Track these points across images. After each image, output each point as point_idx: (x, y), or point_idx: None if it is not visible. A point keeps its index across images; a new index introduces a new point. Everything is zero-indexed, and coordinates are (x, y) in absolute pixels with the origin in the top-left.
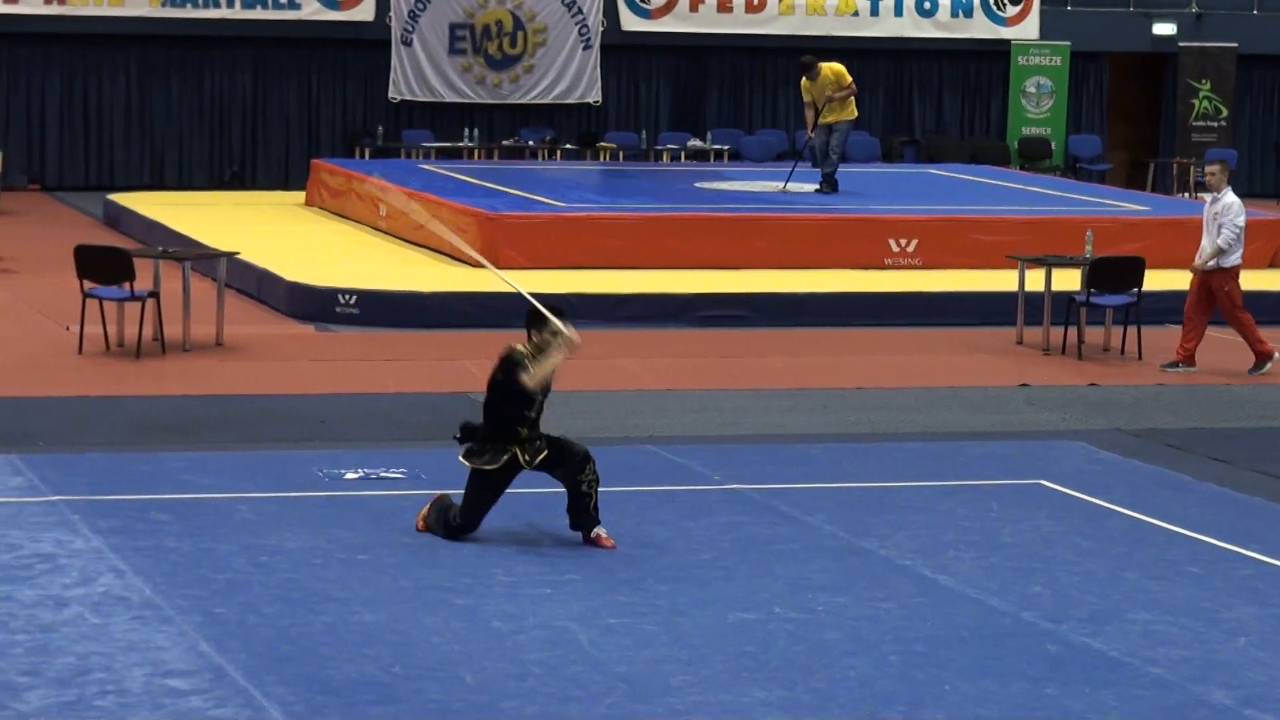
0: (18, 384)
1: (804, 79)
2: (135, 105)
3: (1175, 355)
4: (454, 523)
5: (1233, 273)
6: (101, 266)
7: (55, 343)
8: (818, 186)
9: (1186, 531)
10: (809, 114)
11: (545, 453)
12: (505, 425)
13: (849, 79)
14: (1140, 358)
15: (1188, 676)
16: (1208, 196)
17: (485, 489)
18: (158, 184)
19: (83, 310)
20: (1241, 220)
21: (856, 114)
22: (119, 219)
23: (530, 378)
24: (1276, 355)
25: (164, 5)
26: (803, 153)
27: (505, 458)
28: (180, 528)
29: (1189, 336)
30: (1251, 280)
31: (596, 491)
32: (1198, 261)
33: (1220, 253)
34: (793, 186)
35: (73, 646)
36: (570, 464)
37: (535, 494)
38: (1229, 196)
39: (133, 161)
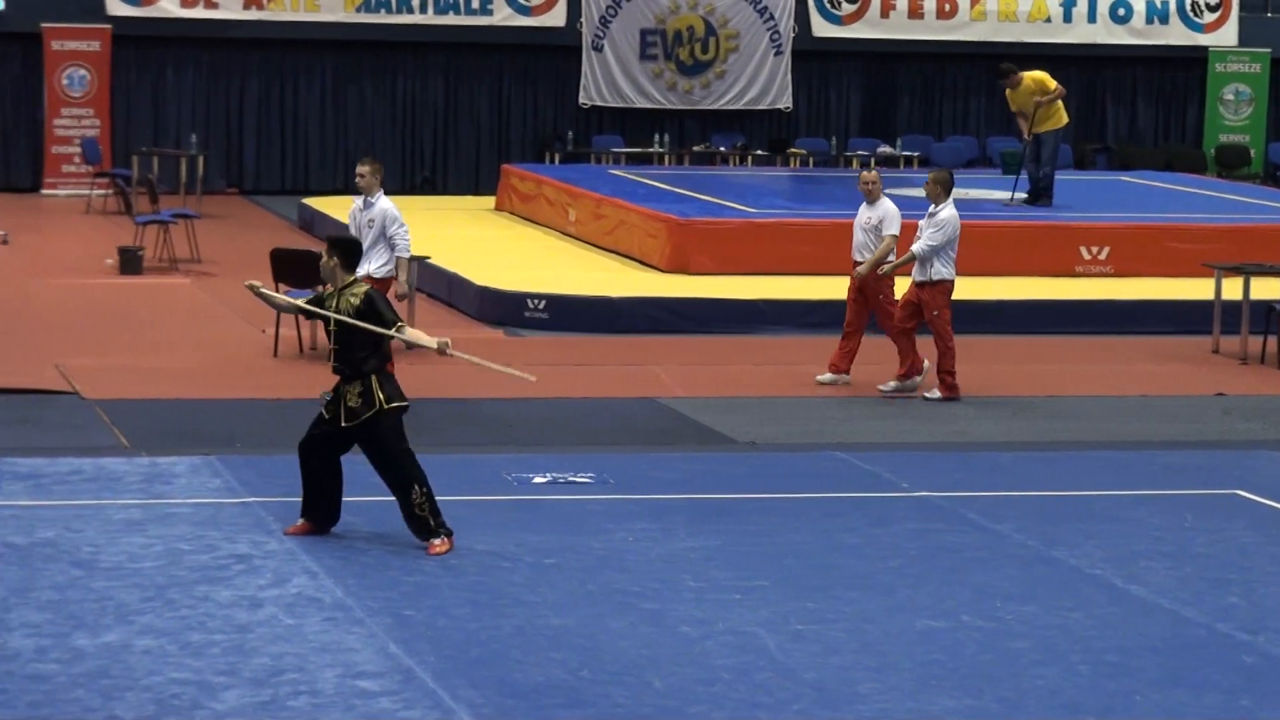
0: (216, 386)
1: (1007, 89)
2: (329, 110)
3: None
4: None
5: (385, 283)
6: (296, 269)
7: (252, 345)
8: (1025, 197)
9: None
10: (1021, 123)
11: (350, 415)
12: None
13: (1053, 85)
14: None
15: None
16: (358, 201)
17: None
18: (351, 188)
19: (278, 313)
20: (401, 229)
21: (1066, 121)
22: (313, 222)
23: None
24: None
25: (358, 10)
26: (1023, 161)
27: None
28: (370, 530)
29: None
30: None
31: (428, 512)
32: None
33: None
34: (1019, 196)
35: (267, 647)
36: (387, 477)
37: (719, 500)
38: (383, 202)
39: (327, 166)
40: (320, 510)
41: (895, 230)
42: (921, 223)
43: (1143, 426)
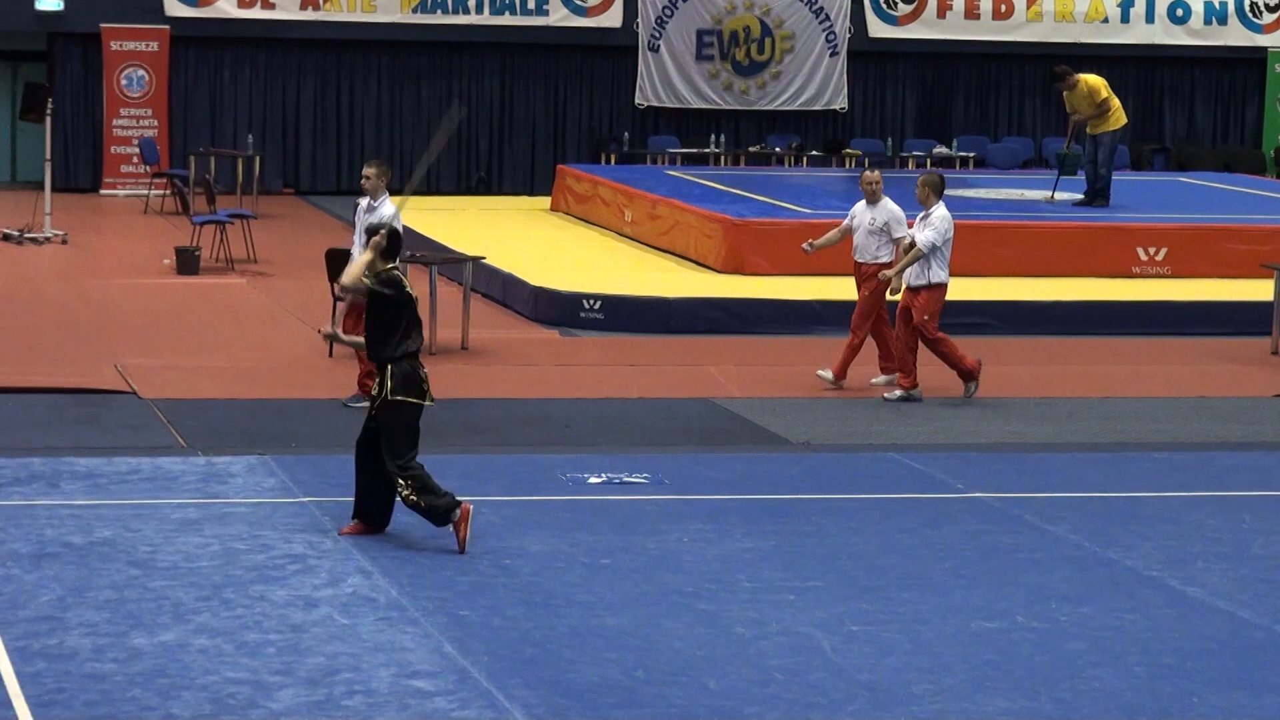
0: (272, 386)
1: (1063, 91)
2: (385, 110)
3: None
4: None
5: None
6: None
7: (307, 345)
8: (1082, 198)
9: None
10: (1071, 124)
11: (373, 404)
12: None
13: (1103, 95)
14: None
15: None
16: (363, 201)
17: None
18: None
19: (333, 313)
20: None
21: (1124, 122)
22: None
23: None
24: None
25: (414, 11)
26: (1080, 162)
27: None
28: (425, 529)
29: None
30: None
31: (425, 499)
32: None
33: None
34: (1060, 196)
35: (322, 646)
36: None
37: (773, 500)
38: (386, 207)
39: None
40: (366, 512)
41: (905, 232)
42: (914, 230)
43: (1200, 428)
